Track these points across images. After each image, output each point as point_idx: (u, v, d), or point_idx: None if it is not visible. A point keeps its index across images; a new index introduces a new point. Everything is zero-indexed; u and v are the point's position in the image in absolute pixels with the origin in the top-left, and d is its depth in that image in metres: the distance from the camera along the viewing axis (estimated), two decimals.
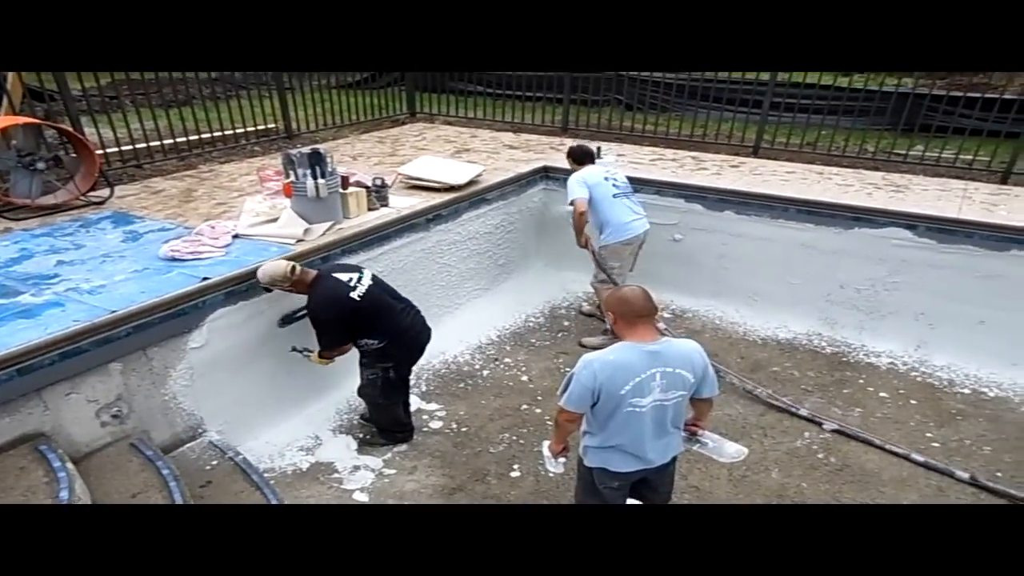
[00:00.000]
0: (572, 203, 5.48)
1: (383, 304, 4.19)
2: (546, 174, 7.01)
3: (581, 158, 5.84)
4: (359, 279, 4.13)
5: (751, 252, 6.20)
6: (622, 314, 2.90)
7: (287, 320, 4.46)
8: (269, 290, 4.17)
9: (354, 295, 4.03)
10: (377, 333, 4.16)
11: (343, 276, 4.11)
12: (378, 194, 5.40)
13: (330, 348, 4.21)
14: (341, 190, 5.06)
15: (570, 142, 8.11)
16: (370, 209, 5.33)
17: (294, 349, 4.39)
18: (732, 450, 3.29)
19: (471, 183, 6.12)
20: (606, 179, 5.54)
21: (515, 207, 6.75)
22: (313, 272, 4.14)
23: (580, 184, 5.47)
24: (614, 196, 5.47)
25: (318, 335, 4.14)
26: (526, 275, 6.99)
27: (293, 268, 3.99)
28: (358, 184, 5.38)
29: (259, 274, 4.04)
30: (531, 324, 6.31)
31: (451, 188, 5.95)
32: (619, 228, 5.43)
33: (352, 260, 4.83)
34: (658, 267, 6.22)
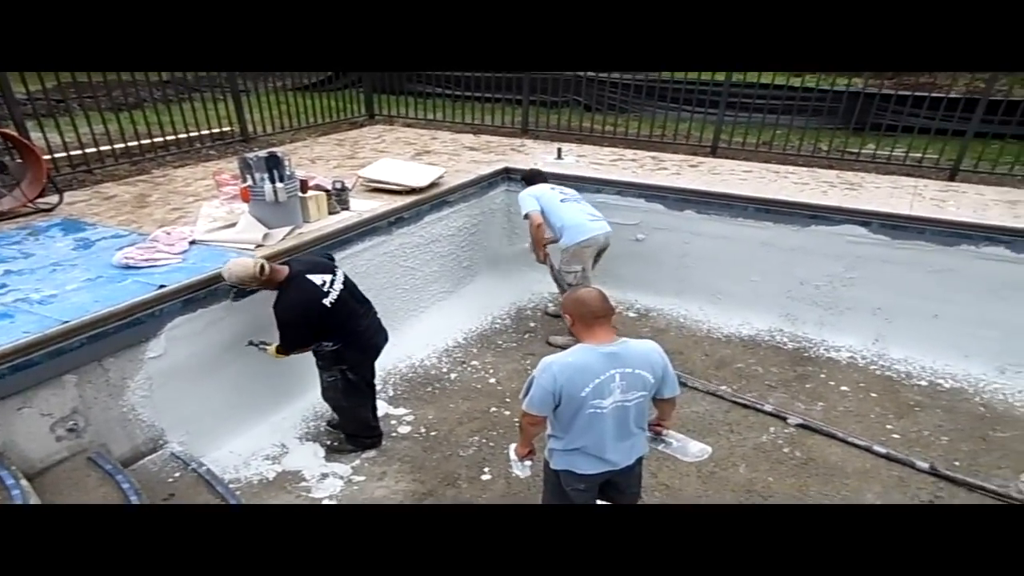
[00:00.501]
0: (527, 217, 5.61)
1: (350, 310, 4.12)
2: (508, 175, 7.00)
3: (531, 178, 6.05)
4: (331, 282, 4.01)
5: (712, 251, 6.28)
6: (580, 316, 2.89)
7: (241, 293, 4.28)
8: (235, 288, 4.04)
9: (326, 301, 3.93)
10: (335, 336, 4.09)
11: (316, 279, 3.97)
12: (338, 197, 5.33)
13: (290, 348, 4.08)
14: (300, 194, 4.97)
15: (531, 143, 8.19)
16: (331, 213, 5.25)
17: (251, 343, 4.24)
18: (696, 449, 3.31)
19: (433, 185, 6.08)
20: (552, 189, 5.76)
21: (477, 209, 6.72)
22: (284, 270, 3.95)
23: (529, 197, 5.67)
24: (561, 201, 5.62)
25: (281, 335, 4.00)
26: (491, 277, 6.97)
27: (262, 268, 3.80)
28: (317, 187, 5.31)
29: (224, 274, 3.86)
30: (497, 326, 6.30)
31: (412, 191, 5.90)
32: (575, 230, 5.47)
33: None
34: (621, 267, 6.27)
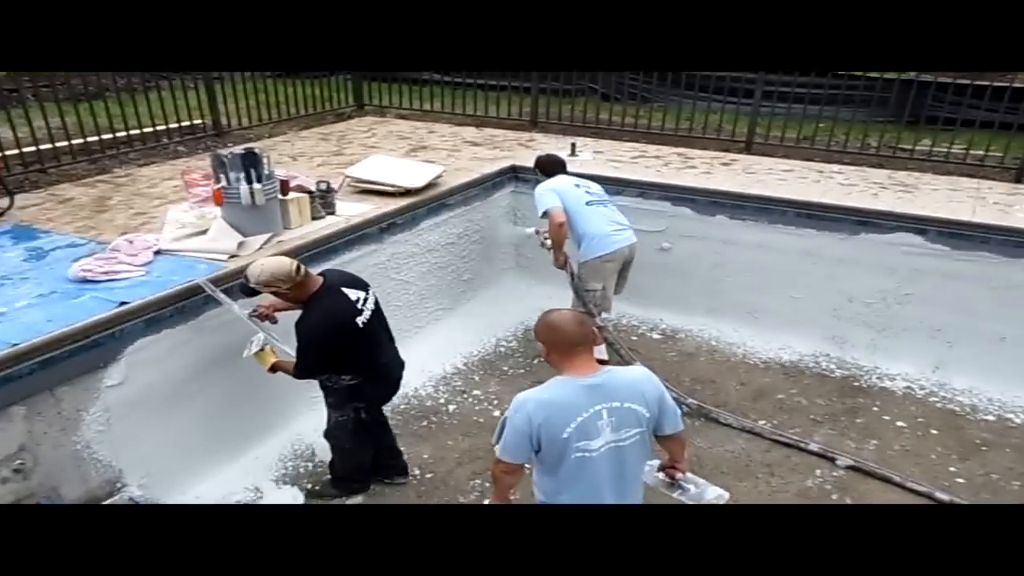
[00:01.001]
0: (546, 214, 5.35)
1: (377, 337, 4.04)
2: (515, 174, 6.97)
3: (549, 168, 5.77)
4: (365, 300, 3.91)
5: (748, 262, 6.22)
6: (554, 344, 2.80)
7: (249, 291, 3.95)
8: (248, 294, 3.88)
9: (359, 320, 3.83)
10: (356, 367, 3.97)
11: (351, 293, 3.87)
12: (323, 200, 5.31)
13: (304, 373, 3.92)
14: (280, 196, 4.95)
15: (541, 137, 8.12)
16: (314, 218, 5.23)
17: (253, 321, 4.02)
18: (713, 495, 3.21)
19: (429, 186, 6.05)
20: (577, 186, 5.50)
21: (480, 213, 6.68)
22: (319, 279, 3.85)
23: (550, 192, 5.38)
24: (587, 204, 5.39)
25: (300, 355, 3.83)
26: (495, 292, 6.94)
27: (298, 268, 3.71)
28: (300, 189, 5.28)
29: (254, 270, 3.70)
30: (502, 349, 6.23)
31: (407, 192, 5.87)
32: (597, 241, 5.31)
33: None
34: (645, 280, 6.16)
